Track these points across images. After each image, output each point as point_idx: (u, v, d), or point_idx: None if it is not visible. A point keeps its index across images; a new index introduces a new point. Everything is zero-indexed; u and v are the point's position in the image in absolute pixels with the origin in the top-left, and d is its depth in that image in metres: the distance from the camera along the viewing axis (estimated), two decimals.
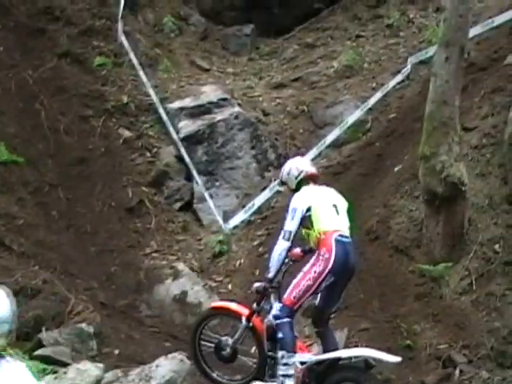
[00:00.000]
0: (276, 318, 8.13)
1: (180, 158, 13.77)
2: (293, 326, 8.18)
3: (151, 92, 13.98)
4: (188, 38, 15.84)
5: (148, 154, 13.78)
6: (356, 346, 9.30)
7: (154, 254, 12.70)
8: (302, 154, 12.60)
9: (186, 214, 13.56)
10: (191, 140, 13.85)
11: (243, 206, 13.50)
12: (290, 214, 8.28)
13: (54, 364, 8.95)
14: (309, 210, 8.22)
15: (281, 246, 8.18)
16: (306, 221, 8.24)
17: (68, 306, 10.12)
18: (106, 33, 14.48)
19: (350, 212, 8.52)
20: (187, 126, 13.95)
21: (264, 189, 13.66)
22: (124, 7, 14.49)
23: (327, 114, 14.75)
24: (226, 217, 13.36)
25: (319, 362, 8.08)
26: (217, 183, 13.79)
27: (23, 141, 12.62)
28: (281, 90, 15.22)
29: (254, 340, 8.66)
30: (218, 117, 14.02)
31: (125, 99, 14.23)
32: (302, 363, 8.05)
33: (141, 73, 14.07)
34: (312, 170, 8.72)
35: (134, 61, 13.95)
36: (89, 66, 14.07)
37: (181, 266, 12.35)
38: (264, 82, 15.19)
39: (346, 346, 9.12)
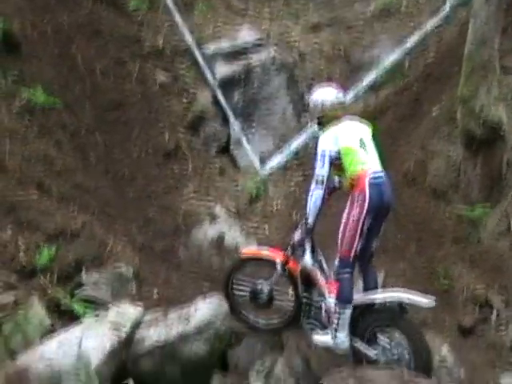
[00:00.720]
0: (336, 269, 8.28)
1: (216, 102, 13.76)
2: (352, 279, 8.26)
3: (187, 35, 13.94)
4: None
5: (184, 99, 13.78)
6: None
7: (192, 198, 12.78)
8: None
9: (223, 157, 13.59)
10: (227, 83, 13.81)
11: (280, 150, 13.50)
12: (319, 158, 8.29)
13: (94, 305, 9.16)
14: (338, 153, 8.23)
15: (315, 192, 8.23)
16: (336, 164, 8.29)
17: (107, 248, 10.24)
18: None
19: (374, 136, 8.49)
20: (223, 70, 13.91)
21: (300, 132, 13.64)
22: None
23: (364, 57, 14.59)
24: (263, 160, 13.38)
25: (355, 307, 8.20)
26: (253, 127, 13.77)
27: (60, 85, 12.62)
28: (317, 32, 15.05)
29: (289, 284, 8.75)
30: (254, 60, 13.95)
31: (160, 43, 14.19)
32: None
33: (176, 16, 14.02)
34: (336, 102, 8.59)
35: (170, 4, 13.89)
36: (125, 9, 14.04)
37: (218, 209, 12.41)
38: (300, 24, 15.02)
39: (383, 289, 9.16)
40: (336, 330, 8.18)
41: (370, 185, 8.10)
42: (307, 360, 8.53)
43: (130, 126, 13.22)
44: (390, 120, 13.17)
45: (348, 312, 8.14)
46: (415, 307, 8.28)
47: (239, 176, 13.36)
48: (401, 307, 8.14)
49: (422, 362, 7.97)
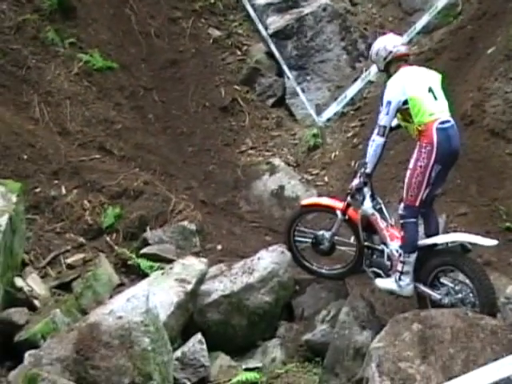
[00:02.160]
0: (401, 217, 8.17)
1: (270, 54, 13.75)
2: (417, 226, 8.19)
3: None
4: None
5: (238, 52, 13.81)
6: (454, 231, 9.32)
7: (250, 151, 12.87)
8: None
9: (279, 109, 13.63)
10: (280, 35, 13.79)
11: (335, 99, 13.44)
12: (384, 107, 8.09)
13: (160, 261, 9.35)
14: (405, 102, 8.03)
15: (376, 141, 8.09)
16: (403, 113, 8.13)
17: (170, 205, 10.41)
18: None
19: (443, 85, 8.29)
20: (275, 22, 13.88)
21: (355, 80, 13.54)
22: None
23: (416, 0, 14.44)
24: (319, 110, 13.30)
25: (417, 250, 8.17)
26: (308, 77, 13.75)
27: (116, 46, 12.78)
28: None
29: (350, 231, 8.82)
30: (306, 10, 13.90)
31: None
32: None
33: None
34: (401, 49, 8.36)
35: None
36: None
37: (277, 161, 12.48)
38: None
39: (445, 232, 9.13)
40: (400, 275, 8.16)
41: (438, 134, 7.93)
42: (371, 305, 8.57)
43: (185, 82, 13.32)
44: (446, 61, 13.00)
45: (413, 258, 8.10)
46: (478, 248, 8.28)
47: (296, 127, 13.40)
48: (463, 248, 8.09)
49: (487, 302, 7.88)
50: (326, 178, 12.37)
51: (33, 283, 8.79)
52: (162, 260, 9.35)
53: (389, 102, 8.07)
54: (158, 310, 7.58)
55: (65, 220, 10.04)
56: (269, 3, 14.03)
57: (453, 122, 8.14)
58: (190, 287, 8.34)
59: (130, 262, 9.46)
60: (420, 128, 8.01)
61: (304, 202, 9.54)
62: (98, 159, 10.94)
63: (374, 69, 12.77)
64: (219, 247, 10.01)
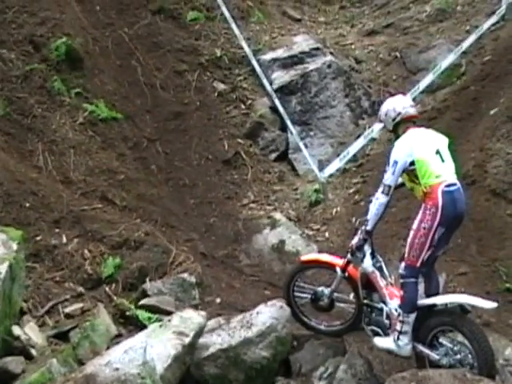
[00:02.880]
0: (401, 277, 8.15)
1: (274, 109, 13.89)
2: (417, 286, 8.15)
3: (244, 44, 14.06)
4: None
5: (242, 106, 13.92)
6: (454, 292, 9.31)
7: (252, 205, 12.90)
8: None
9: (282, 164, 13.71)
10: (285, 90, 13.94)
11: (338, 155, 13.52)
12: (390, 166, 8.11)
13: (158, 313, 9.30)
14: (412, 163, 8.05)
15: (379, 200, 8.10)
16: (409, 174, 8.16)
17: (170, 256, 10.40)
18: None
19: (450, 148, 8.30)
20: (280, 77, 14.03)
21: (358, 136, 13.65)
22: None
23: (420, 60, 14.59)
24: (322, 166, 13.38)
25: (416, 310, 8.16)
26: (311, 132, 13.87)
27: (121, 97, 12.91)
28: (373, 36, 15.11)
29: (350, 288, 8.79)
30: (311, 66, 14.05)
31: (218, 52, 14.38)
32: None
33: (233, 25, 14.14)
34: (410, 111, 8.39)
35: (226, 14, 14.03)
36: (182, 21, 14.24)
37: (278, 215, 12.50)
38: (356, 29, 15.11)
39: (445, 291, 9.12)
40: (399, 335, 8.15)
41: (444, 197, 7.94)
42: (369, 363, 8.53)
43: (189, 134, 13.42)
44: (449, 121, 13.11)
45: (412, 318, 8.09)
46: (478, 309, 8.27)
47: (298, 182, 13.46)
48: (462, 309, 8.06)
49: (486, 364, 7.83)
50: (326, 234, 12.39)
51: (30, 332, 8.74)
52: (161, 312, 9.30)
53: (395, 162, 8.07)
54: (155, 362, 7.53)
55: (64, 269, 10.01)
56: (274, 58, 14.18)
57: (459, 185, 8.15)
58: (187, 340, 8.27)
59: (128, 313, 9.39)
60: (426, 190, 8.02)
61: (304, 257, 9.49)
62: (100, 209, 10.94)
63: (376, 126, 12.89)
64: (218, 300, 9.98)
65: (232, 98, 13.92)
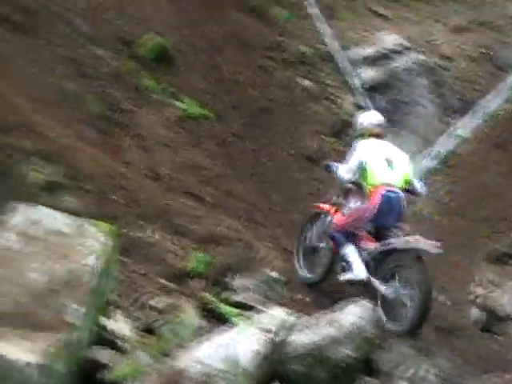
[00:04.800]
0: (329, 233, 10.05)
1: (360, 106, 13.83)
2: (342, 235, 9.84)
3: (330, 41, 14.03)
4: None
5: (328, 103, 13.90)
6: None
7: None
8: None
9: None
10: (371, 88, 13.91)
11: (423, 152, 13.43)
12: (351, 156, 9.83)
13: (244, 309, 9.36)
14: (363, 163, 9.65)
15: (341, 172, 9.89)
16: (360, 173, 9.71)
17: (254, 252, 10.49)
18: None
19: None
20: (367, 74, 14.00)
21: (444, 134, 13.52)
22: None
23: (510, 56, 14.37)
24: None
25: (380, 252, 9.57)
26: (397, 130, 13.75)
27: (209, 94, 13.04)
28: (461, 33, 14.94)
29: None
30: (398, 63, 13.98)
31: (304, 49, 14.40)
32: (368, 252, 9.65)
33: (319, 23, 14.10)
34: (374, 130, 10.06)
35: (313, 11, 14.01)
36: (268, 18, 14.25)
37: None
38: (443, 26, 14.95)
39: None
40: (351, 266, 9.71)
41: (383, 198, 9.45)
42: (453, 364, 8.52)
43: (274, 131, 13.48)
44: None
45: (348, 251, 9.75)
46: None
47: None
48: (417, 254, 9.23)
49: (421, 311, 8.99)
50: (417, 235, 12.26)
51: (118, 324, 8.89)
52: (247, 308, 9.38)
53: (352, 154, 9.82)
54: (242, 358, 7.61)
55: (151, 262, 10.16)
56: (360, 55, 14.13)
57: (401, 194, 9.65)
58: (274, 337, 8.33)
59: (213, 308, 9.52)
60: (370, 189, 9.62)
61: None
62: (186, 204, 11.07)
63: (463, 123, 12.76)
64: (305, 298, 10.04)
65: (318, 94, 13.92)
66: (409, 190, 9.99)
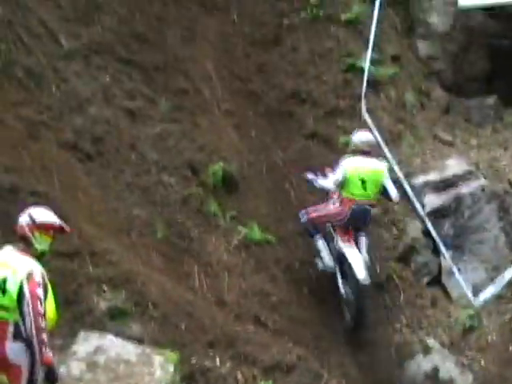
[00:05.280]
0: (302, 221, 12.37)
1: (426, 233, 13.73)
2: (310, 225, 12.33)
3: (396, 167, 14.06)
4: (430, 112, 15.80)
5: (395, 230, 13.84)
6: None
7: (404, 330, 12.69)
8: None
9: (435, 288, 13.44)
10: (437, 214, 13.77)
11: (492, 280, 13.22)
12: (336, 169, 12.05)
13: None
14: (345, 177, 11.86)
15: (327, 184, 12.15)
16: (340, 184, 11.94)
17: (322, 381, 10.34)
18: (350, 112, 14.71)
19: None
20: (433, 200, 13.90)
21: None
22: (367, 86, 14.75)
23: None
24: (476, 291, 13.10)
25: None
26: (464, 257, 13.57)
27: (274, 220, 13.12)
28: None
29: None
30: (464, 190, 13.86)
31: None
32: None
33: (385, 149, 14.20)
34: (361, 147, 12.15)
35: (378, 137, 14.11)
36: (334, 144, 14.39)
37: (431, 341, 12.28)
38: (510, 152, 14.90)
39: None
40: (321, 256, 12.21)
41: (352, 210, 11.96)
42: None
43: None
44: None
45: (317, 244, 12.30)
46: None
47: (451, 307, 13.15)
48: None
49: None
50: (482, 362, 12.03)
51: None
52: None
53: (338, 167, 12.05)
54: None
55: None
56: (426, 182, 14.09)
57: (368, 207, 12.15)
58: None
59: None
60: (344, 199, 12.04)
61: None
62: (253, 331, 11.03)
63: None
64: None
65: (384, 220, 13.86)
66: (384, 195, 12.40)
